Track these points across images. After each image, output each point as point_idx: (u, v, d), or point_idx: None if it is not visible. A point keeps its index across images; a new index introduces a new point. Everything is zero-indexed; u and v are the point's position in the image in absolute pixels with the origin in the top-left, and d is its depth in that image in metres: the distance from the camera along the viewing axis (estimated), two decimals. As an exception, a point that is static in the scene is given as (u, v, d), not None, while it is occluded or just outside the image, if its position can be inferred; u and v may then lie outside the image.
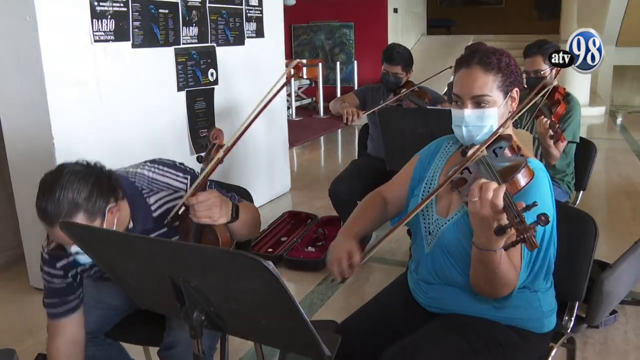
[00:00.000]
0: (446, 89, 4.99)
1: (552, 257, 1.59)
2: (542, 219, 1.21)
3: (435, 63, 9.56)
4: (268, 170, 4.97)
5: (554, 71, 3.08)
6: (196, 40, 3.96)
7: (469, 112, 1.59)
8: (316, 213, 4.35)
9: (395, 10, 11.14)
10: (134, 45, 3.44)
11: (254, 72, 4.60)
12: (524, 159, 1.46)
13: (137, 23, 3.43)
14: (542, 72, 3.06)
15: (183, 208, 1.62)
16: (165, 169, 1.80)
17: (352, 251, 1.64)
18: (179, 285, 1.11)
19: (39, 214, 1.52)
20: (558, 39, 9.70)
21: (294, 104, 9.66)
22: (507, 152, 1.53)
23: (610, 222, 4.44)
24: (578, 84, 8.64)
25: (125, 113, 3.47)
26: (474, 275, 1.51)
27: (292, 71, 1.67)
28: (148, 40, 3.54)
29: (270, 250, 3.75)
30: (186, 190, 1.74)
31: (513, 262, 1.46)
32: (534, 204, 1.25)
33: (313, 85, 10.51)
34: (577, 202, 3.13)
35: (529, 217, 1.25)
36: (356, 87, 8.61)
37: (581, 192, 3.15)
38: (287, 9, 10.18)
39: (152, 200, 1.73)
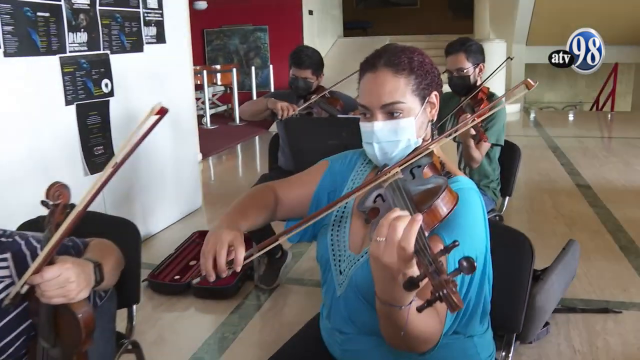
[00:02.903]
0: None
1: (488, 295, 1.34)
2: (465, 265, 0.86)
3: (353, 65, 9.38)
4: (176, 186, 4.56)
5: (477, 70, 2.94)
6: (86, 48, 3.55)
7: (379, 125, 1.30)
8: (230, 231, 4.01)
9: (311, 13, 10.96)
10: (6, 54, 3.00)
11: (156, 80, 4.21)
12: (444, 180, 1.16)
13: (8, 28, 2.99)
14: (465, 71, 2.89)
15: (26, 287, 1.20)
16: None
17: (235, 244, 1.25)
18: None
19: None
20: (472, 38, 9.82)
21: (208, 112, 9.23)
22: (426, 171, 1.24)
23: (534, 223, 4.34)
24: (493, 81, 8.65)
25: (3, 132, 3.03)
26: (382, 330, 1.16)
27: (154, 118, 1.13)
28: (25, 48, 3.10)
29: (177, 277, 3.36)
30: (11, 275, 1.30)
31: (436, 310, 1.14)
32: (454, 244, 0.91)
33: (228, 91, 10.14)
34: (504, 209, 2.96)
35: (451, 261, 0.95)
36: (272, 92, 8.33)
37: (507, 198, 2.98)
38: (197, 13, 9.85)
39: None
